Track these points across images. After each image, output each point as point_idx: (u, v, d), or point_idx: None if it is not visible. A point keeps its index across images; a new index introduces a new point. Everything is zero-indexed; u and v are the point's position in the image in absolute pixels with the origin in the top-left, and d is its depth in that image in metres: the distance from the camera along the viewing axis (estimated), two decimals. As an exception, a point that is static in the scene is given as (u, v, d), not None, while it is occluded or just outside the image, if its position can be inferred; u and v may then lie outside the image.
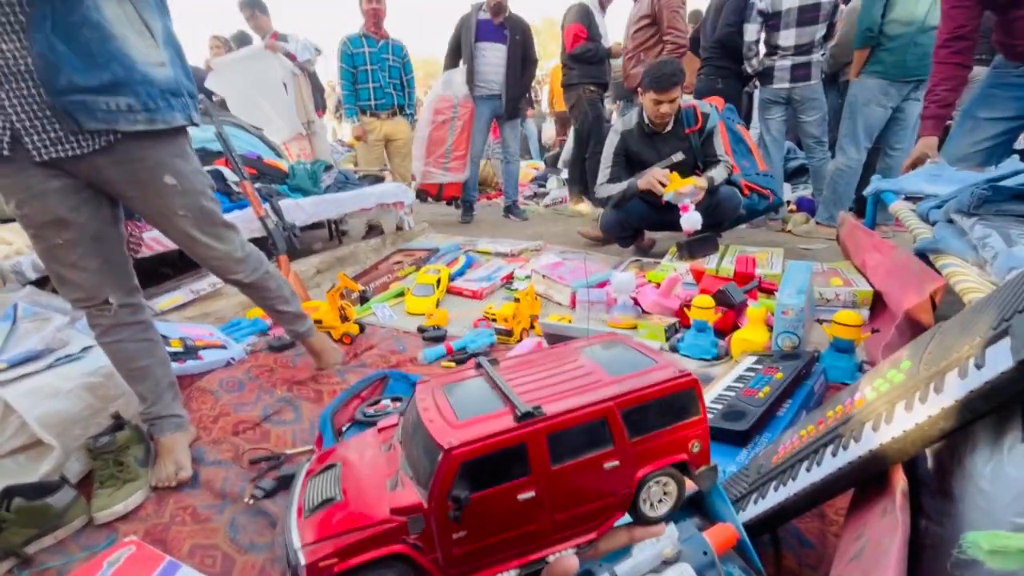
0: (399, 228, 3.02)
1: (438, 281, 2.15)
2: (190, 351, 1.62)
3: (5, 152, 0.89)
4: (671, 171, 2.15)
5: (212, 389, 1.53)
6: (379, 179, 3.07)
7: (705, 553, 0.70)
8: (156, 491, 1.14)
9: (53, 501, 1.02)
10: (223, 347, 1.73)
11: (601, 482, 0.41)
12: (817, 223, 2.84)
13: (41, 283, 1.61)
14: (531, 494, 0.38)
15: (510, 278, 2.29)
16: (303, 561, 0.33)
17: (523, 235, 3.12)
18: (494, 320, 1.79)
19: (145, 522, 1.07)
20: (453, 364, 1.58)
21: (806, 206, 3.15)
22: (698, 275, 1.84)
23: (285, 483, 1.11)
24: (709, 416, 1.05)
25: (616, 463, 0.41)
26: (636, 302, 1.77)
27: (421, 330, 1.82)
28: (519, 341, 1.68)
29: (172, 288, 2.02)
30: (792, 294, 1.33)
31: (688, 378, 0.45)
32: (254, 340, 1.85)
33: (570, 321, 1.75)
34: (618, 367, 0.44)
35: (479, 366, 0.46)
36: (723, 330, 1.59)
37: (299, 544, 0.35)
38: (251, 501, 1.08)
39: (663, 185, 2.11)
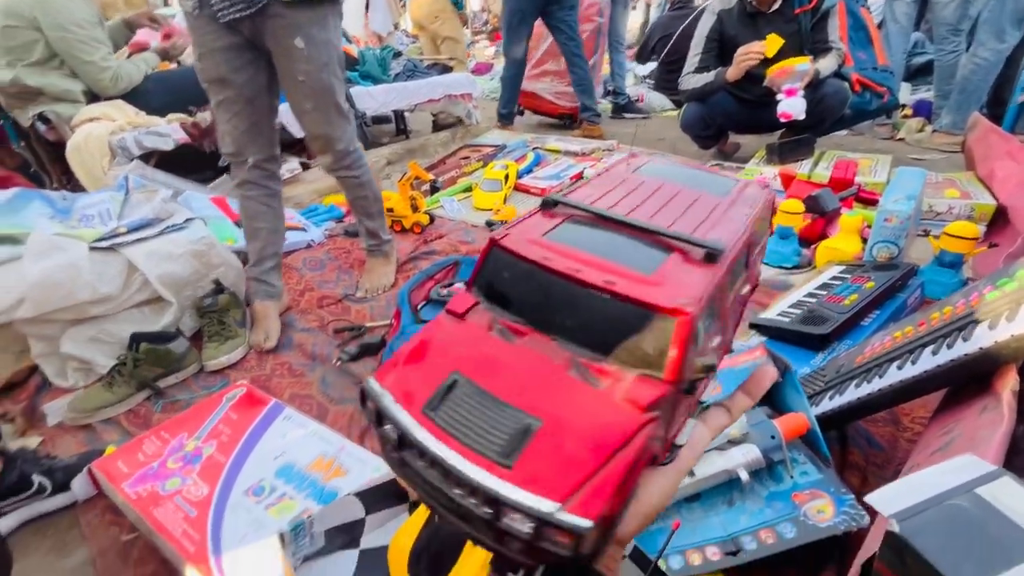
0: (460, 121, 2.93)
1: (506, 177, 2.11)
2: (276, 231, 1.73)
3: (195, 12, 1.10)
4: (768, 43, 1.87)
5: (297, 266, 1.65)
6: (447, 68, 2.95)
7: (773, 437, 0.71)
8: (253, 350, 1.29)
9: (173, 347, 1.18)
10: (304, 230, 1.83)
11: (734, 315, 0.36)
12: (935, 131, 2.48)
13: (144, 158, 1.73)
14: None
15: (579, 177, 2.22)
16: (586, 524, 0.23)
17: (533, 128, 2.98)
18: None
19: (250, 372, 1.22)
20: (520, 257, 1.59)
21: (924, 111, 2.74)
22: (787, 180, 1.69)
23: (368, 350, 1.21)
24: (786, 319, 1.02)
25: (748, 288, 0.37)
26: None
27: (489, 224, 1.83)
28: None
29: (255, 172, 2.12)
30: (899, 200, 1.20)
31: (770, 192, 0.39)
32: (331, 225, 1.94)
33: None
34: (715, 187, 0.39)
35: (554, 204, 0.35)
36: (809, 239, 1.48)
37: (551, 507, 0.24)
38: (338, 363, 1.20)
39: (759, 63, 1.85)
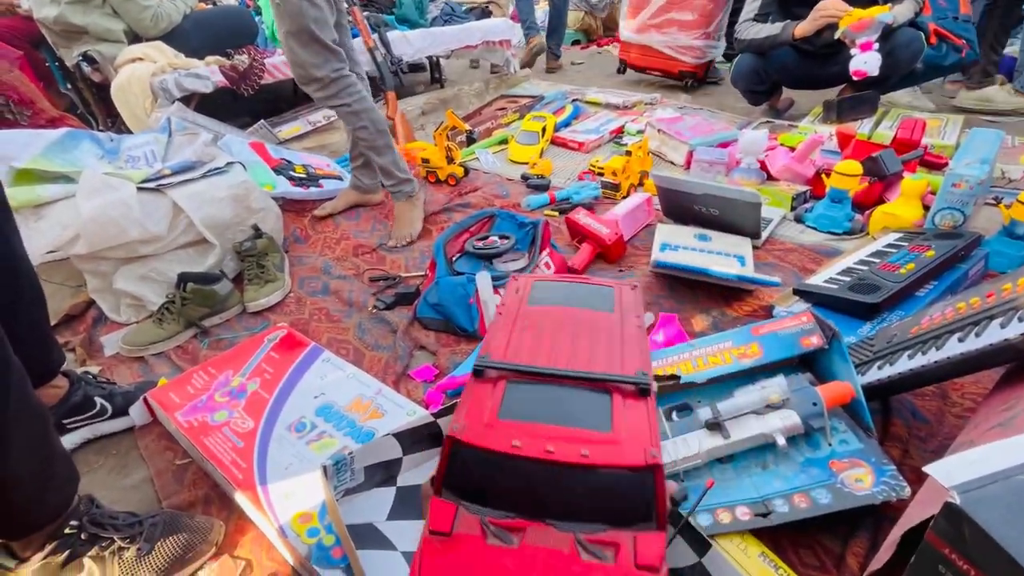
0: (494, 70, 2.82)
1: (543, 130, 2.04)
2: (312, 179, 1.74)
3: None
4: None
5: (333, 215, 1.66)
6: (486, 12, 2.82)
7: (815, 404, 0.69)
8: (292, 294, 1.32)
9: (217, 288, 1.22)
10: (339, 178, 1.83)
11: None
12: (1016, 90, 2.26)
13: (185, 101, 1.74)
14: None
15: (620, 131, 2.13)
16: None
17: (636, 87, 2.83)
18: (601, 174, 1.70)
19: (289, 316, 1.25)
20: (557, 213, 1.57)
21: (1006, 67, 2.50)
22: (845, 140, 1.58)
23: (402, 299, 1.22)
24: (834, 286, 0.98)
25: None
26: (762, 166, 1.59)
27: (524, 178, 1.79)
28: (625, 196, 1.61)
29: (291, 119, 2.12)
30: (972, 164, 1.11)
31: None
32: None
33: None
34: (600, 301, 0.45)
35: (482, 371, 0.37)
36: (863, 204, 1.40)
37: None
38: (374, 311, 1.22)
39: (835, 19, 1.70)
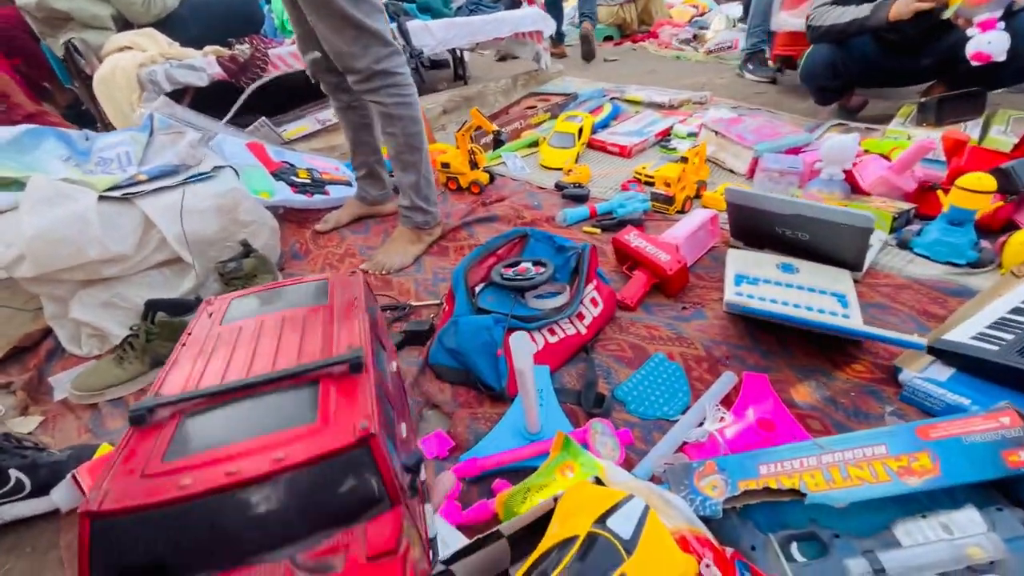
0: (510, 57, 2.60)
1: (579, 131, 1.82)
2: (317, 184, 1.55)
3: None
4: None
5: (339, 227, 1.46)
6: (515, 3, 2.60)
7: (1053, 576, 0.44)
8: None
9: (190, 320, 1.02)
10: (349, 184, 1.65)
11: (399, 394, 0.47)
12: None
13: (176, 96, 1.56)
14: None
15: (666, 134, 1.90)
16: None
17: (680, 84, 2.57)
18: (649, 183, 1.49)
19: (277, 353, 1.04)
20: (598, 230, 1.33)
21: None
22: (954, 147, 1.30)
23: (413, 338, 1.01)
24: (991, 346, 0.72)
25: (394, 365, 0.51)
26: (848, 177, 1.33)
27: (559, 187, 1.58)
28: (680, 211, 1.37)
29: (298, 116, 1.93)
30: None
31: None
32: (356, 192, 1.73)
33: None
34: (308, 296, 0.46)
35: (148, 414, 0.32)
36: (988, 227, 1.13)
37: None
38: (377, 351, 1.00)
39: None
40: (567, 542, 0.45)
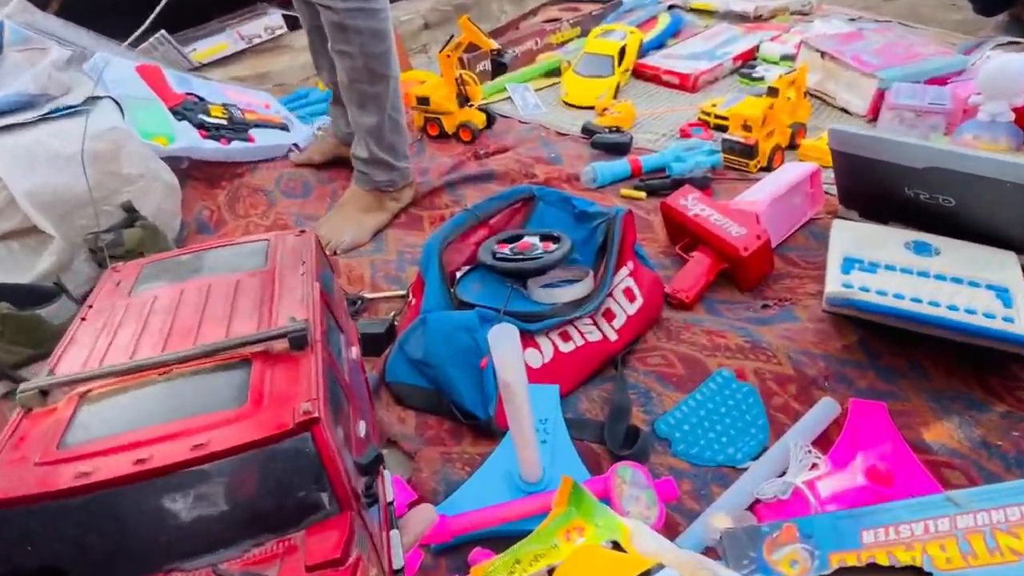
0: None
1: (620, 52, 1.84)
2: (237, 127, 1.59)
3: None
4: None
5: (266, 188, 1.51)
6: None
7: None
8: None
9: (47, 314, 1.05)
10: (283, 127, 1.69)
11: (359, 386, 0.51)
12: None
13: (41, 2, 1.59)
14: None
15: (749, 58, 1.91)
16: None
17: None
18: (721, 127, 1.49)
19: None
20: (643, 194, 1.33)
21: None
22: None
23: (368, 342, 1.01)
24: None
25: (355, 351, 0.56)
26: (1020, 117, 1.30)
27: (588, 132, 1.59)
28: (766, 168, 1.36)
29: (214, 31, 1.97)
30: None
31: None
32: (329, 124, 1.75)
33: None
34: (244, 261, 0.51)
35: (43, 395, 0.36)
36: None
37: None
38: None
39: None
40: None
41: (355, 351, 0.48)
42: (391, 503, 0.46)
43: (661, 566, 0.46)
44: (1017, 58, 1.25)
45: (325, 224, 1.32)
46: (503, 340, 0.62)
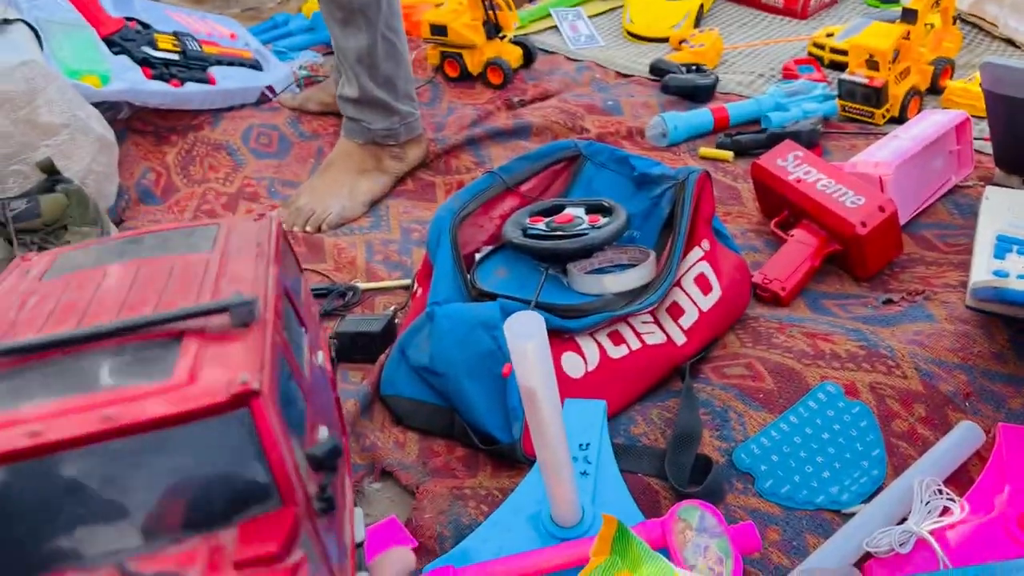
0: None
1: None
2: (193, 63, 1.61)
3: None
4: None
5: (231, 145, 1.53)
6: None
7: None
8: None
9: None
10: (254, 65, 1.72)
11: (327, 400, 0.50)
12: None
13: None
14: None
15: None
16: None
17: None
18: (838, 65, 1.51)
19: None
20: (730, 154, 1.34)
21: None
22: None
23: (351, 348, 1.04)
24: None
25: (322, 358, 0.53)
26: None
27: (659, 71, 1.61)
28: (898, 119, 1.35)
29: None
30: None
31: None
32: (312, 59, 1.80)
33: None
34: (189, 245, 0.51)
35: None
36: None
37: None
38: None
39: None
40: None
41: (321, 356, 0.50)
42: (360, 544, 0.47)
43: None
44: None
45: (307, 192, 1.36)
46: (524, 333, 0.63)
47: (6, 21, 1.28)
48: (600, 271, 0.96)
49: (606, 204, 0.98)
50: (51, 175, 1.21)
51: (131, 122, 1.55)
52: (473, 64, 1.66)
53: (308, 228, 1.30)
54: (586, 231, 0.95)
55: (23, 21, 1.31)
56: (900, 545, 0.70)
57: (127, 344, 0.38)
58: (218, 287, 0.43)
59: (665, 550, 0.71)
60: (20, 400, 0.33)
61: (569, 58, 1.74)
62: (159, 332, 0.38)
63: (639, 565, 0.64)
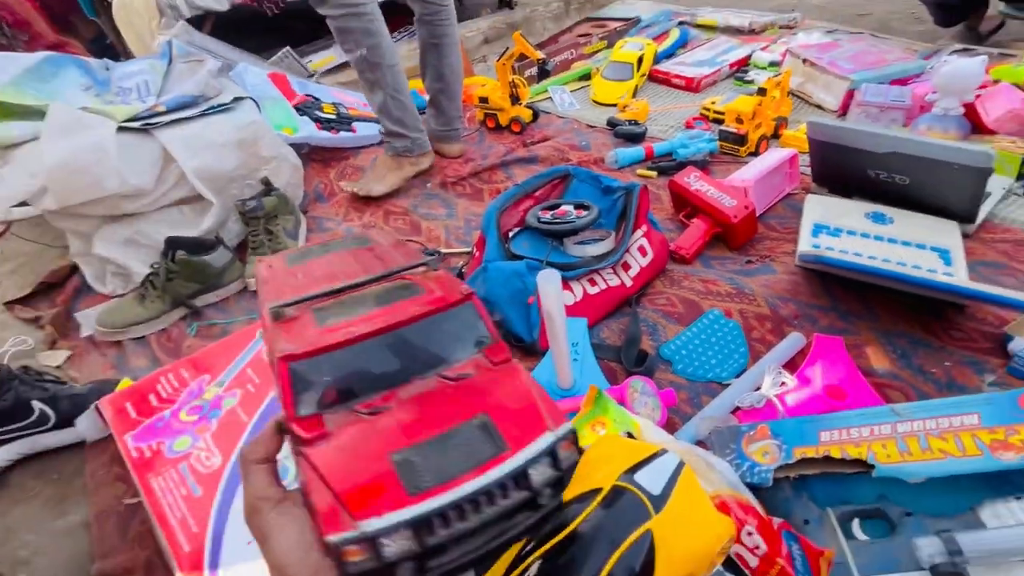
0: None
1: (639, 61, 1.74)
2: (343, 120, 1.57)
3: None
4: None
5: (363, 167, 1.49)
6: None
7: None
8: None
9: (211, 259, 1.07)
10: (376, 121, 1.64)
11: None
12: None
13: (197, 22, 1.59)
14: None
15: (743, 64, 1.78)
16: (569, 425, 0.33)
17: (765, 4, 2.39)
18: (718, 120, 1.42)
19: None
20: (654, 173, 1.29)
21: None
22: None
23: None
24: None
25: None
26: (970, 112, 1.21)
27: (612, 124, 1.53)
28: (754, 153, 1.29)
29: (325, 46, 1.94)
30: None
31: None
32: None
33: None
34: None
35: (281, 310, 0.38)
36: None
37: (549, 436, 0.32)
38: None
39: None
40: (588, 494, 0.45)
41: None
42: None
43: (664, 451, 0.47)
44: (968, 62, 1.15)
45: (363, 179, 1.36)
46: (548, 281, 0.62)
47: (241, 98, 1.25)
48: (583, 243, 0.92)
49: (586, 204, 0.94)
50: (267, 186, 1.19)
51: (310, 154, 1.52)
52: (503, 119, 1.59)
53: (361, 193, 1.32)
54: (574, 220, 0.91)
55: (250, 98, 1.29)
56: (757, 403, 0.69)
57: (381, 286, 0.40)
58: (393, 260, 0.45)
59: (623, 404, 0.70)
60: (340, 317, 0.36)
61: (559, 116, 1.67)
62: (398, 277, 0.41)
63: (609, 412, 0.63)
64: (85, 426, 0.78)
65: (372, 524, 0.26)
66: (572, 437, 0.32)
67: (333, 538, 0.26)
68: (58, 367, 0.96)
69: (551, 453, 0.31)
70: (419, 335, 0.36)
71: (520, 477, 0.30)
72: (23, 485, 0.76)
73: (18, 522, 0.71)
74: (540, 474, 0.30)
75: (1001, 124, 1.17)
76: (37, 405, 0.77)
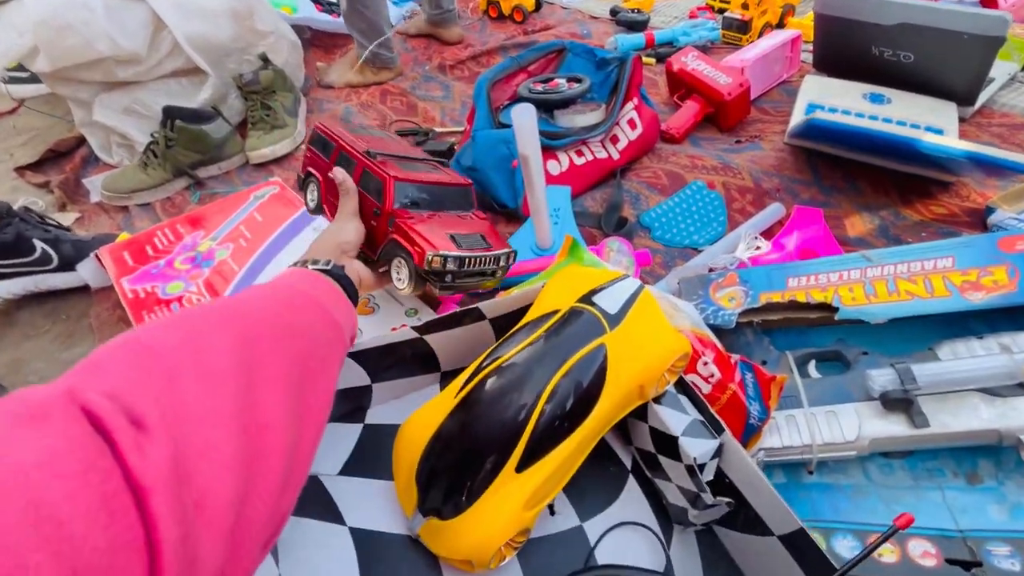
0: None
1: (648, -51, 1.53)
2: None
3: None
4: None
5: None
6: None
7: None
8: (304, 145, 1.08)
9: (209, 130, 1.00)
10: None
11: None
12: None
13: None
14: None
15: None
16: None
17: None
18: (722, 9, 1.26)
19: (296, 172, 1.02)
20: (653, 60, 1.16)
21: None
22: None
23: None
24: None
25: None
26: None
27: (614, 12, 1.37)
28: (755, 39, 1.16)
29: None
30: None
31: None
32: (412, 6, 1.56)
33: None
34: None
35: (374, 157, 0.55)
36: None
37: None
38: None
39: None
40: (546, 316, 0.41)
41: None
42: None
43: (626, 275, 0.42)
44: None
45: (334, 65, 1.29)
46: (523, 115, 0.55)
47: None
48: (573, 114, 0.84)
49: (579, 77, 0.85)
50: (265, 62, 1.09)
51: (312, 40, 1.40)
52: (505, 8, 1.44)
53: (318, 77, 1.28)
54: (564, 91, 0.83)
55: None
56: (730, 263, 0.64)
57: (426, 163, 0.59)
58: (418, 151, 0.62)
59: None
60: (410, 170, 0.54)
61: (563, 7, 1.51)
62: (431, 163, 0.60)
63: (582, 258, 0.58)
64: (86, 271, 0.75)
65: (448, 252, 0.49)
66: (514, 253, 0.56)
67: (431, 253, 0.48)
68: (67, 229, 0.92)
69: (507, 255, 0.55)
70: (447, 192, 0.56)
71: (495, 258, 0.53)
72: (33, 323, 0.74)
73: (29, 353, 0.70)
74: (502, 259, 0.55)
75: (1017, 9, 1.03)
76: (39, 244, 0.74)
